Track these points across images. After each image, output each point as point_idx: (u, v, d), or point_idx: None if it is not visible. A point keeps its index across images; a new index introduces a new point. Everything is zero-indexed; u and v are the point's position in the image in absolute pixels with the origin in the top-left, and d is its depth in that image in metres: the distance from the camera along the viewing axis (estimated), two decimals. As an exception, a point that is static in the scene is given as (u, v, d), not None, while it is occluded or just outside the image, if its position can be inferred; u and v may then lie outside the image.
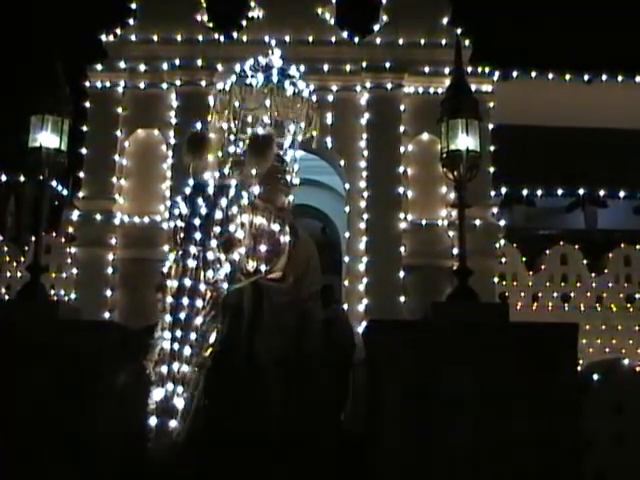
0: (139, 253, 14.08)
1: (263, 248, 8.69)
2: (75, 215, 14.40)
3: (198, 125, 9.43)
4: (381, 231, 14.03)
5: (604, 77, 20.99)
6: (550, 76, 20.80)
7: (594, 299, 17.01)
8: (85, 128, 14.49)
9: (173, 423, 7.62)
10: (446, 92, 10.09)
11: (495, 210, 14.41)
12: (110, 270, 14.13)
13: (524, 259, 17.25)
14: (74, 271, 14.48)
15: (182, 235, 8.36)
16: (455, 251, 12.95)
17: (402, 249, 13.94)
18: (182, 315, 8.00)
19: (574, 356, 8.57)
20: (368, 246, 14.02)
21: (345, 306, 13.34)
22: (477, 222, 13.57)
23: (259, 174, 8.91)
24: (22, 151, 9.77)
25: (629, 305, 17.04)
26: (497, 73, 15.78)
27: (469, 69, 13.90)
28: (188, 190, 8.58)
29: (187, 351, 7.90)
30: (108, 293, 13.99)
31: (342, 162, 14.57)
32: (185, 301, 8.05)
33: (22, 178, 20.15)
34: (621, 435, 8.75)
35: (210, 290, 8.19)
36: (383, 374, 8.45)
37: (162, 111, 14.71)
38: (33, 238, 14.05)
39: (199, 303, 8.08)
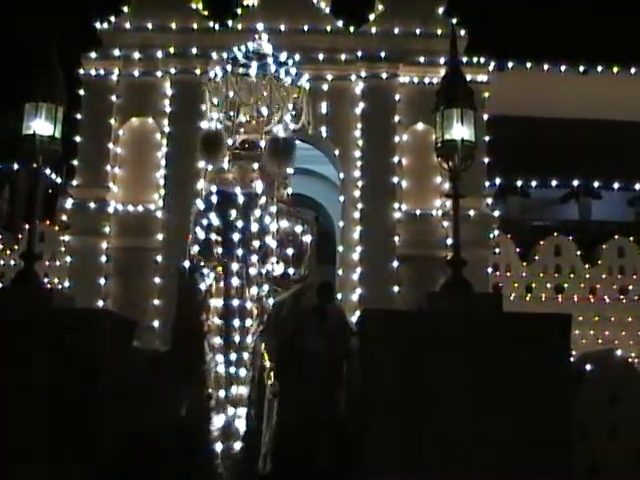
0: (133, 242, 14.08)
1: (290, 252, 8.54)
2: (69, 203, 14.38)
3: (212, 124, 9.14)
4: (375, 221, 14.03)
5: (599, 68, 20.98)
6: (545, 67, 20.78)
7: (588, 290, 17.04)
8: (79, 116, 14.45)
9: (237, 445, 7.58)
10: (441, 82, 10.03)
11: (489, 201, 14.43)
12: (104, 258, 14.12)
13: (518, 250, 17.26)
14: (68, 259, 14.47)
15: (220, 250, 8.20)
16: (449, 241, 12.91)
17: (396, 239, 13.95)
18: (236, 338, 7.92)
19: (567, 347, 8.58)
20: (362, 236, 14.02)
21: (339, 295, 13.34)
22: (471, 212, 13.56)
23: (282, 175, 8.75)
24: (16, 139, 9.71)
25: (622, 297, 17.07)
26: (492, 63, 15.73)
27: (464, 59, 13.88)
28: (214, 198, 8.35)
29: (242, 373, 7.86)
30: (102, 281, 13.97)
31: (337, 151, 14.56)
32: (236, 323, 7.96)
33: (16, 166, 20.07)
34: (614, 425, 8.77)
35: (256, 307, 8.10)
36: (377, 364, 8.44)
37: (156, 99, 14.67)
38: (27, 226, 14.02)
39: (248, 322, 8.01)
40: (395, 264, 13.81)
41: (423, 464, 8.04)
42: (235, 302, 7.99)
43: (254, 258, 8.12)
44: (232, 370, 7.83)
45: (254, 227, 8.20)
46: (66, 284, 14.24)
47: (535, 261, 17.22)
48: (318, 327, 9.82)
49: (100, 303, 13.66)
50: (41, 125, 9.54)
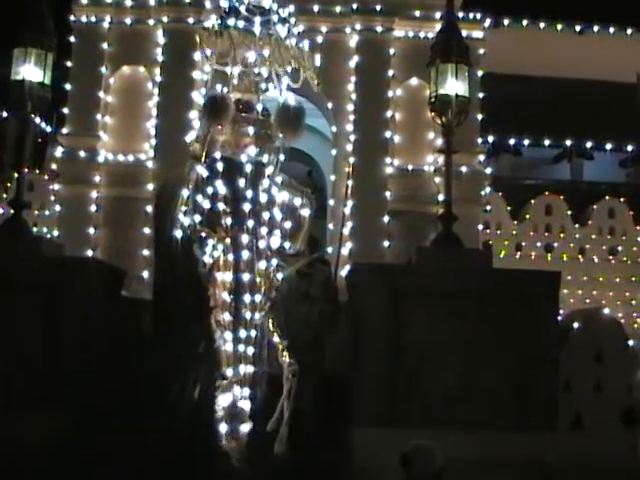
0: (123, 191, 14.01)
1: (288, 225, 8.13)
2: (59, 152, 14.27)
3: (218, 88, 8.64)
4: (367, 175, 13.97)
5: (596, 28, 20.89)
6: (541, 25, 20.67)
7: (577, 250, 17.13)
8: (69, 63, 14.27)
9: (244, 427, 7.35)
10: (437, 36, 9.96)
11: (482, 158, 14.39)
12: (93, 208, 14.04)
13: (509, 208, 17.28)
14: (57, 208, 14.40)
15: (229, 221, 7.72)
16: (441, 197, 12.90)
17: (387, 194, 13.92)
18: (247, 314, 7.58)
19: (555, 303, 8.63)
20: (353, 190, 13.97)
21: (329, 249, 13.32)
22: (463, 169, 13.51)
23: (286, 145, 8.40)
24: (4, 85, 9.58)
25: (611, 257, 17.16)
26: (488, 20, 15.59)
27: (460, 14, 13.69)
28: (220, 166, 7.83)
29: (251, 351, 7.55)
30: (91, 231, 13.91)
31: (329, 105, 14.45)
32: (247, 298, 7.60)
33: (5, 113, 19.84)
34: (599, 383, 8.85)
35: (264, 282, 7.78)
36: (365, 317, 8.46)
37: (148, 48, 14.47)
38: (16, 174, 13.91)
39: (258, 298, 7.67)
40: (386, 219, 13.79)
41: (409, 420, 8.10)
42: (246, 276, 7.61)
43: (264, 230, 7.78)
44: (241, 348, 7.45)
45: (263, 198, 7.89)
46: (55, 233, 14.18)
47: (526, 220, 17.27)
48: (304, 293, 9.82)
49: (89, 253, 13.60)
50: (30, 71, 9.40)
